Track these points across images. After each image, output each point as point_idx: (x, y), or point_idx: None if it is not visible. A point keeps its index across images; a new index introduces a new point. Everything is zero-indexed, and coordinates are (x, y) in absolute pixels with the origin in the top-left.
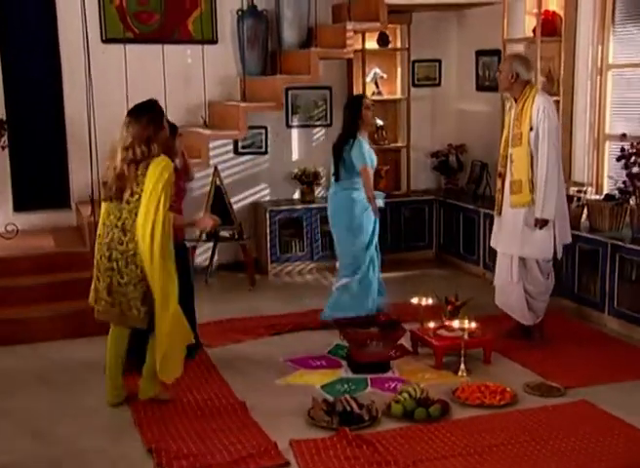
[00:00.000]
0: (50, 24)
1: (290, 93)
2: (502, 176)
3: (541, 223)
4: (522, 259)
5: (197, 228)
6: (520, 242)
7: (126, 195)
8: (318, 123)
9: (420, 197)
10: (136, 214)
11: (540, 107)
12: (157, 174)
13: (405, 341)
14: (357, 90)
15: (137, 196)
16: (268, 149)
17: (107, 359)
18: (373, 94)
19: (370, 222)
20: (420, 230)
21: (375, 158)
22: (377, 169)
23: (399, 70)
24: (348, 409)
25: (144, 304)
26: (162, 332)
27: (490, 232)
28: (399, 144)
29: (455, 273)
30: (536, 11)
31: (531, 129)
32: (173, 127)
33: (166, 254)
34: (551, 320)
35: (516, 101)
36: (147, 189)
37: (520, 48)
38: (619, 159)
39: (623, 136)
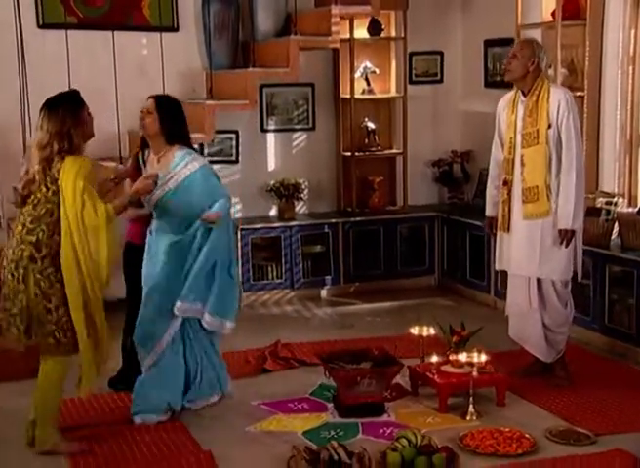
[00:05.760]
0: None
1: (265, 90)
2: (509, 184)
3: (570, 236)
4: (538, 283)
5: (136, 195)
6: (538, 260)
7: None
8: (299, 126)
9: (419, 213)
10: (31, 222)
11: (560, 101)
12: (71, 184)
13: (402, 380)
14: (344, 87)
15: (36, 200)
16: (240, 157)
17: None
18: (363, 91)
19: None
20: (419, 252)
21: None
22: (368, 180)
23: (394, 64)
24: (335, 457)
25: (23, 321)
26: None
27: None
28: (394, 151)
29: (460, 302)
30: None
31: (549, 126)
32: None
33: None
34: (577, 356)
35: (525, 95)
36: (67, 202)
37: (537, 34)
38: None
39: None
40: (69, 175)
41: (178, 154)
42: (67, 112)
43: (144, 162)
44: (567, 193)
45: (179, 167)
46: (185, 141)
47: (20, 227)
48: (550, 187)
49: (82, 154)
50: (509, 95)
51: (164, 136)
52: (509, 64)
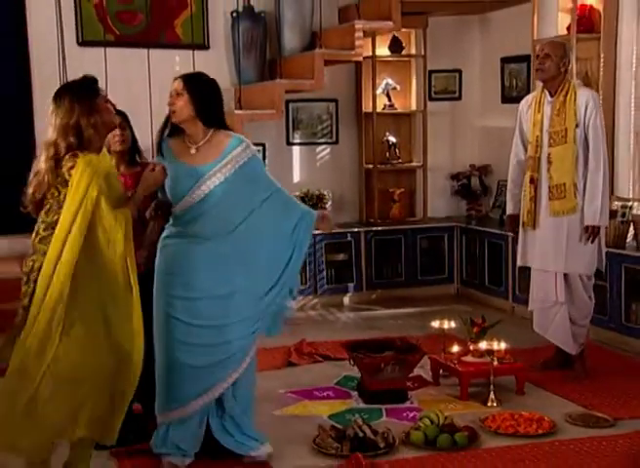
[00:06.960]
0: (18, 27)
1: (291, 105)
2: (535, 182)
3: (596, 232)
4: (564, 277)
5: (148, 191)
6: (564, 256)
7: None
8: (322, 140)
9: (438, 223)
10: (44, 229)
11: (588, 101)
12: (80, 194)
13: (424, 372)
14: (366, 102)
15: (49, 205)
16: (266, 169)
17: None
18: (384, 107)
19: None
20: (438, 262)
21: None
22: (389, 192)
23: (414, 81)
24: (361, 434)
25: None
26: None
27: None
28: (414, 164)
29: (479, 309)
30: (570, 5)
31: (576, 125)
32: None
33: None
34: (594, 353)
35: (551, 95)
36: (68, 210)
37: None
38: None
39: None
40: (82, 181)
41: (231, 140)
42: (75, 100)
43: (174, 156)
44: (594, 190)
45: (235, 151)
46: (225, 126)
47: (33, 235)
48: (577, 184)
49: (98, 149)
50: (532, 95)
51: (201, 120)
52: (542, 64)
